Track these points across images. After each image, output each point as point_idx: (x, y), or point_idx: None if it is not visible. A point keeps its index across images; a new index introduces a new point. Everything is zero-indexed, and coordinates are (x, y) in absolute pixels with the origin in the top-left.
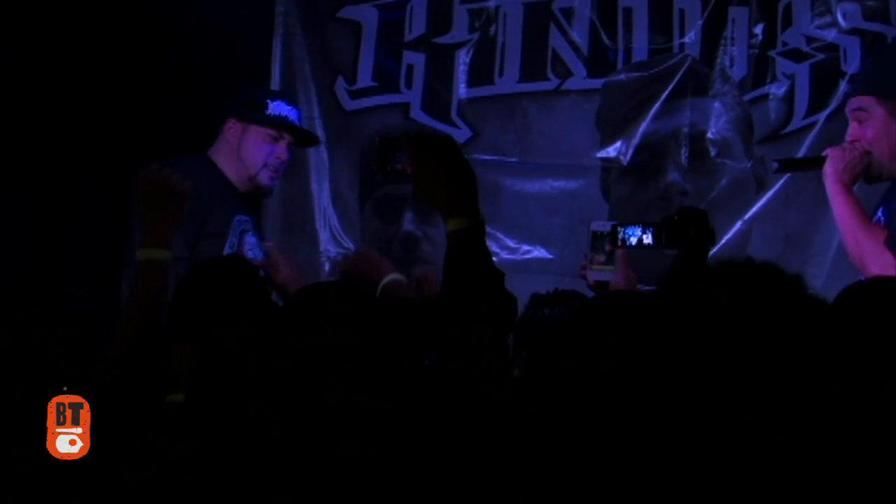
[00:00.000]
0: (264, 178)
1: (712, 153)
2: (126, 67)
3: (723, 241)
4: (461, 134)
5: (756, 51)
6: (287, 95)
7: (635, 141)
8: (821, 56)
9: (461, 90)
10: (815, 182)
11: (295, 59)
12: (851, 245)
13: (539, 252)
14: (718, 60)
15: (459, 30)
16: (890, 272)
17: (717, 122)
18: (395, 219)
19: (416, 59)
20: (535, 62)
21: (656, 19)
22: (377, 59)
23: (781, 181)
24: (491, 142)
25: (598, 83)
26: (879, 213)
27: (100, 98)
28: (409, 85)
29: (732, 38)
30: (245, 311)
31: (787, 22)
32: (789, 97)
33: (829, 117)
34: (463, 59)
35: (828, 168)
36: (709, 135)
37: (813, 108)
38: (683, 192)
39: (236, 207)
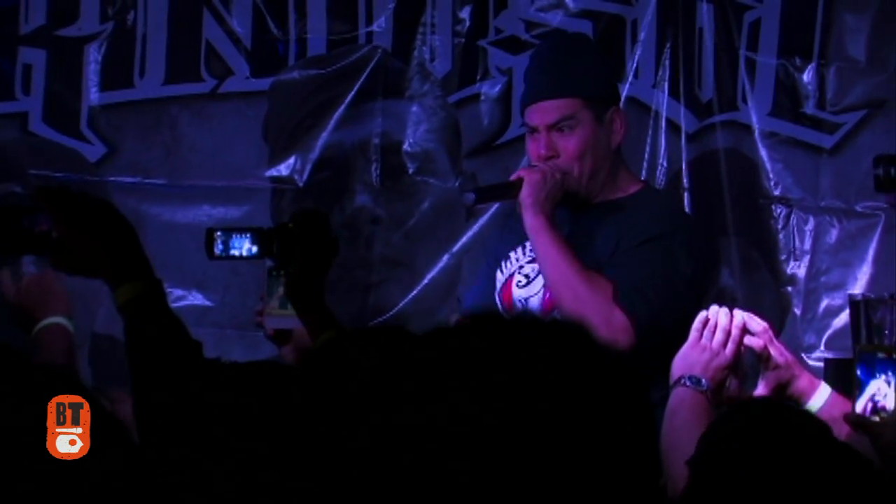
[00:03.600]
0: None
1: (410, 170)
2: None
3: (426, 279)
4: (93, 150)
5: (462, 40)
6: None
7: (313, 156)
8: None
9: (92, 95)
10: None
11: None
12: (568, 298)
13: (194, 298)
14: (416, 53)
15: (88, 19)
16: (623, 336)
17: (415, 131)
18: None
19: (34, 58)
20: (185, 58)
21: (336, 2)
22: None
23: (497, 203)
24: (131, 160)
25: (264, 84)
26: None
27: None
28: (26, 90)
29: (433, 25)
30: None
31: (502, 3)
32: (506, 97)
33: None
34: (94, 55)
35: (526, 197)
36: (405, 147)
37: None
38: (375, 219)
39: None
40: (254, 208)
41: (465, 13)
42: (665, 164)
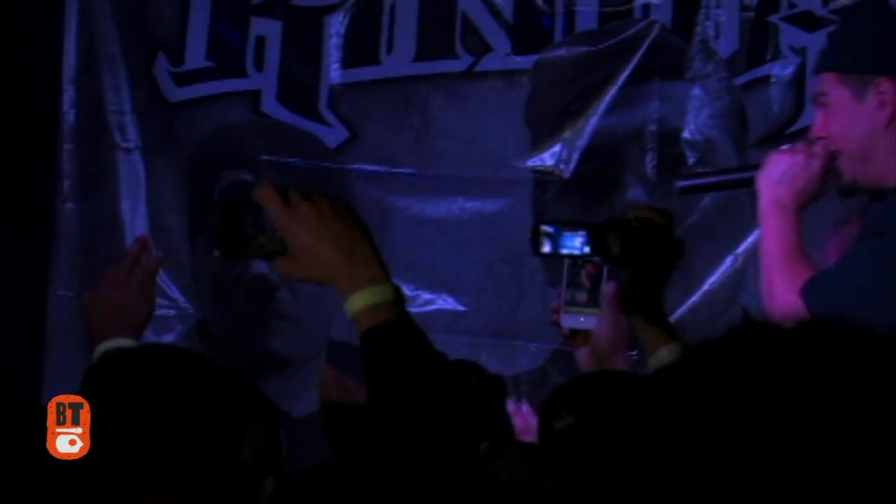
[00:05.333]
0: None
1: (690, 160)
2: None
3: (706, 284)
4: (333, 135)
5: (751, 15)
6: None
7: (581, 143)
8: None
9: (333, 73)
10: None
11: (97, 29)
12: (764, 282)
13: (445, 302)
14: (698, 29)
15: None
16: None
17: (696, 117)
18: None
19: (268, 29)
20: (438, 32)
21: None
22: (213, 30)
23: None
24: (375, 146)
25: (527, 62)
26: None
27: None
28: (258, 66)
29: None
30: None
31: None
32: (798, 81)
33: None
34: (336, 28)
35: (760, 179)
36: (685, 134)
37: None
38: None
39: None
40: (513, 202)
41: None
42: None
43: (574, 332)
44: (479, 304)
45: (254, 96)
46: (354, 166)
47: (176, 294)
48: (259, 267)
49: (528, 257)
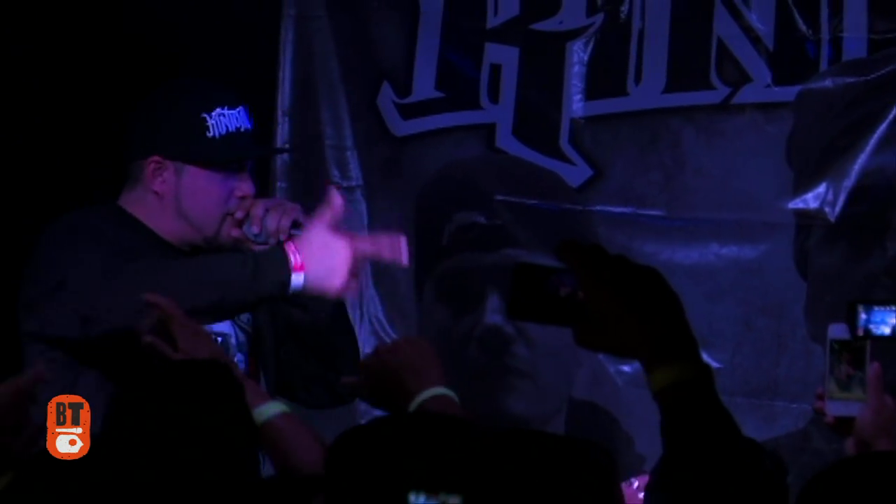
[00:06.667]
0: (228, 231)
1: None
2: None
3: None
4: (576, 173)
5: None
6: (224, 92)
7: (848, 183)
8: None
9: (575, 105)
10: None
11: (315, 57)
12: None
13: None
14: None
15: (572, 10)
16: None
17: None
18: (472, 306)
19: (505, 57)
20: (691, 61)
21: None
22: (443, 57)
23: None
24: (622, 185)
25: (789, 93)
26: None
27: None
28: (493, 97)
29: None
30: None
31: None
32: None
33: None
34: (578, 56)
35: None
36: None
37: None
38: None
39: None
40: (773, 248)
41: None
42: None
43: (841, 420)
44: (735, 361)
45: (488, 130)
46: (598, 208)
47: None
48: (492, 318)
49: (789, 309)
